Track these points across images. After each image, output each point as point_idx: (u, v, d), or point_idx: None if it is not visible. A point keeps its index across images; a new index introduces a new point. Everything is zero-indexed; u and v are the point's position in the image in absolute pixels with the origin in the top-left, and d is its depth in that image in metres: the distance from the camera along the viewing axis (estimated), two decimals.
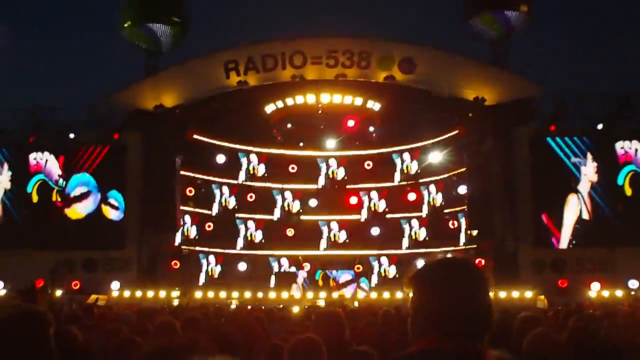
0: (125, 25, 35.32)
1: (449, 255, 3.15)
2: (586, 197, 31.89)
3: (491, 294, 2.95)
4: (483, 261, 31.68)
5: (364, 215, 37.26)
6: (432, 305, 2.89)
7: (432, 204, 35.87)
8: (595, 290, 29.97)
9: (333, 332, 6.09)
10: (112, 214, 33.93)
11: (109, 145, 33.97)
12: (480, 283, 2.94)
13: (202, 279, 35.34)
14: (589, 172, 31.91)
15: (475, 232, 32.91)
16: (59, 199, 34.27)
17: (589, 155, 31.96)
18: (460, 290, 2.88)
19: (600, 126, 31.65)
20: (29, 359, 3.39)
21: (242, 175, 36.83)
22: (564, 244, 31.85)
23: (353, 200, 37.25)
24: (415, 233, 36.04)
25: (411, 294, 3.01)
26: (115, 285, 31.95)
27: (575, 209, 31.89)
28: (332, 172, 37.56)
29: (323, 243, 36.99)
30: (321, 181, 37.55)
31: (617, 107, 32.00)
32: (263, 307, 20.92)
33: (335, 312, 6.80)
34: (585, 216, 31.86)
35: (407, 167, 36.69)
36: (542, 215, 31.96)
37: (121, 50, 38.38)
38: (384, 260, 36.06)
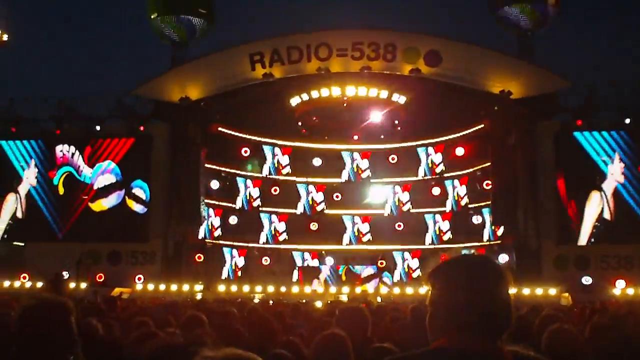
0: (152, 16, 35.50)
1: (467, 252, 3.11)
2: (609, 197, 31.41)
3: (511, 292, 2.91)
4: (507, 257, 31.61)
5: (387, 209, 37.16)
6: (451, 303, 2.86)
7: (456, 198, 35.73)
8: (620, 287, 29.70)
9: (356, 328, 6.03)
10: (137, 207, 33.99)
11: (134, 137, 34.02)
12: (500, 281, 2.90)
13: (225, 272, 35.41)
14: (615, 171, 31.50)
15: (499, 228, 32.72)
16: (84, 192, 34.40)
17: (616, 155, 31.54)
18: (479, 288, 2.85)
19: (628, 120, 31.23)
20: (54, 343, 3.60)
21: (266, 169, 36.85)
22: (582, 240, 31.49)
23: (377, 194, 37.14)
24: (439, 228, 35.92)
25: (430, 291, 2.98)
26: (138, 278, 32.06)
27: (596, 207, 31.49)
28: (357, 166, 37.50)
29: (346, 238, 36.96)
30: (345, 175, 37.50)
31: None
32: (286, 302, 20.95)
33: (359, 308, 6.74)
34: (607, 216, 31.38)
35: (431, 161, 36.56)
36: (568, 211, 31.65)
37: (148, 41, 38.39)
38: (407, 255, 35.99)
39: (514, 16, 33.74)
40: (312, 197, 37.37)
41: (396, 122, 34.52)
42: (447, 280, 2.95)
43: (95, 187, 34.25)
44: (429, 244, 35.82)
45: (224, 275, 35.32)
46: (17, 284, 31.15)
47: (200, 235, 34.32)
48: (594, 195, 31.56)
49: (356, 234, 37.00)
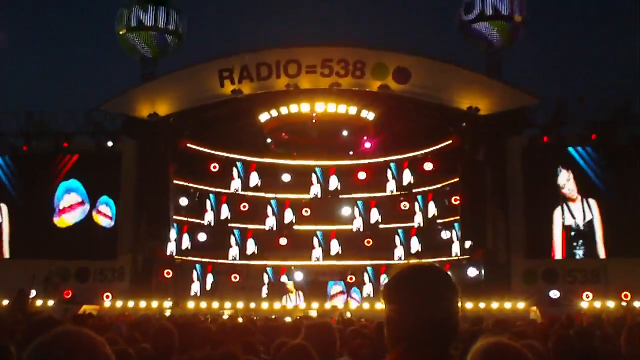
0: (121, 32, 35.54)
1: (412, 262, 3.08)
2: (572, 209, 31.83)
3: (458, 302, 2.92)
4: (476, 271, 31.78)
5: (356, 225, 37.26)
6: (397, 316, 2.87)
7: (424, 214, 35.88)
8: (587, 300, 29.96)
9: (323, 343, 6.03)
10: (103, 222, 33.80)
11: (102, 154, 33.83)
12: (445, 291, 2.91)
13: (194, 289, 35.27)
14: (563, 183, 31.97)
15: (467, 243, 32.90)
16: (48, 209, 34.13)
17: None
18: (422, 299, 2.86)
19: (593, 136, 31.61)
20: None
21: (235, 185, 36.82)
22: (557, 254, 31.78)
23: (346, 210, 37.25)
24: (408, 243, 36.03)
25: (384, 305, 3.00)
26: (107, 296, 31.83)
27: (559, 220, 31.84)
28: (325, 182, 37.59)
29: (315, 253, 36.97)
30: (314, 190, 37.56)
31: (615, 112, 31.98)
32: (256, 317, 20.92)
33: (326, 322, 6.76)
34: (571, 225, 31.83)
35: (400, 177, 36.72)
36: (536, 226, 31.91)
37: (117, 57, 38.32)
38: (376, 270, 36.06)
39: (485, 31, 34.11)
40: (281, 213, 37.38)
41: (365, 138, 34.68)
42: (392, 293, 2.96)
43: (61, 207, 34.00)
44: (398, 259, 35.90)
45: (193, 291, 35.18)
46: None
47: (169, 251, 34.18)
48: (557, 209, 31.86)
49: (325, 249, 37.02)
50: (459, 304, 2.94)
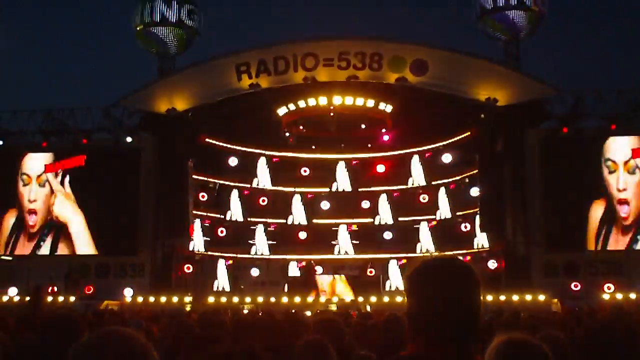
0: (138, 28, 35.62)
1: (434, 255, 3.05)
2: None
3: (479, 296, 2.87)
4: (496, 264, 31.69)
5: (376, 218, 37.22)
6: (419, 309, 2.84)
7: (444, 206, 35.81)
8: (609, 293, 29.80)
9: (331, 338, 5.99)
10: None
11: (121, 150, 33.93)
12: (466, 285, 2.87)
13: (214, 284, 35.37)
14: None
15: (487, 235, 32.80)
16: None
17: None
18: (443, 293, 2.82)
19: (613, 126, 31.39)
20: None
21: (253, 179, 36.85)
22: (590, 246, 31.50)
23: (365, 203, 37.21)
24: (428, 236, 35.98)
25: (406, 298, 2.96)
26: (128, 291, 31.97)
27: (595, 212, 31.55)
28: (345, 175, 37.58)
29: (336, 247, 36.98)
30: (333, 184, 37.56)
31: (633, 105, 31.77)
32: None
33: (332, 319, 6.76)
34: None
35: (419, 169, 36.66)
36: (554, 218, 31.70)
37: (136, 53, 38.42)
38: (396, 263, 36.07)
39: (489, 30, 34.06)
40: (301, 207, 37.39)
41: (383, 130, 34.61)
42: (410, 289, 2.93)
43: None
44: (419, 252, 35.87)
45: (213, 286, 35.28)
46: (5, 298, 31.02)
47: (189, 247, 34.26)
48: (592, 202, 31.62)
49: (345, 243, 37.03)
50: (481, 299, 2.90)
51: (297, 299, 31.11)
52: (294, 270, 36.51)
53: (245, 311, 25.15)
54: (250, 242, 36.51)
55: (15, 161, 34.25)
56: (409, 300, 2.91)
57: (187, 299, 30.79)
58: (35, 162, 34.34)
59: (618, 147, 31.48)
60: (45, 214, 34.07)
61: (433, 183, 36.23)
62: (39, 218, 34.10)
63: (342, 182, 37.68)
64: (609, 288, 29.80)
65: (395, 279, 35.67)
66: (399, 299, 30.10)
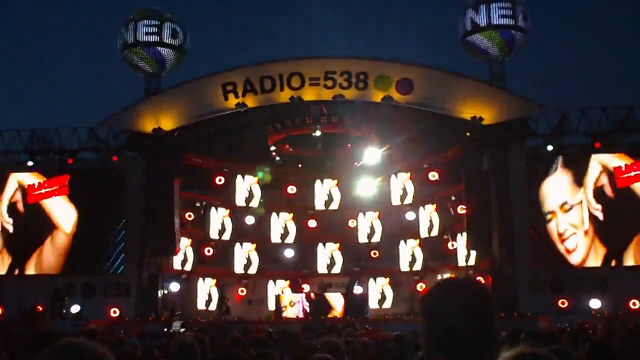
0: (124, 49, 35.56)
1: (449, 275, 3.06)
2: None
3: (492, 316, 2.90)
4: (482, 281, 31.81)
5: (362, 236, 37.31)
6: (438, 330, 2.88)
7: (430, 224, 35.94)
8: (595, 308, 30.00)
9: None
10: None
11: (107, 169, 33.89)
12: (483, 302, 2.91)
13: (200, 302, 35.36)
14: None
15: (473, 253, 32.92)
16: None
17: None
18: (463, 311, 2.84)
19: (597, 145, 31.65)
20: None
21: (240, 198, 36.89)
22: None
23: (352, 222, 37.32)
24: (414, 254, 36.09)
25: (422, 319, 3.00)
26: (114, 310, 31.90)
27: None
28: (330, 194, 37.70)
29: (321, 265, 37.04)
30: (319, 203, 37.65)
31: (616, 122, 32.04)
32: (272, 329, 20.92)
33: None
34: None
35: (404, 187, 36.82)
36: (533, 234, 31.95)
37: (121, 72, 38.30)
38: (382, 281, 36.20)
39: (482, 43, 34.14)
40: (286, 226, 37.46)
41: (369, 147, 34.70)
42: (423, 309, 2.98)
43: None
44: (404, 270, 35.99)
45: (200, 305, 35.28)
46: None
47: (175, 266, 34.22)
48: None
49: (331, 261, 37.10)
50: (493, 318, 2.94)
51: (283, 317, 31.09)
52: (279, 289, 36.50)
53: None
54: (236, 260, 36.50)
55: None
56: (425, 321, 2.95)
57: (176, 323, 30.70)
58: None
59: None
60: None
61: (419, 201, 36.37)
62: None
63: (328, 200, 37.77)
64: (595, 304, 30.06)
65: (376, 298, 35.79)
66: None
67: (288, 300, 33.82)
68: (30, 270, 33.78)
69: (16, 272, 33.86)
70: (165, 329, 26.92)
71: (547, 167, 32.15)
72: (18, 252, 34.09)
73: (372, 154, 34.13)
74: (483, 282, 31.36)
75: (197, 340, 7.39)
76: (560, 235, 31.75)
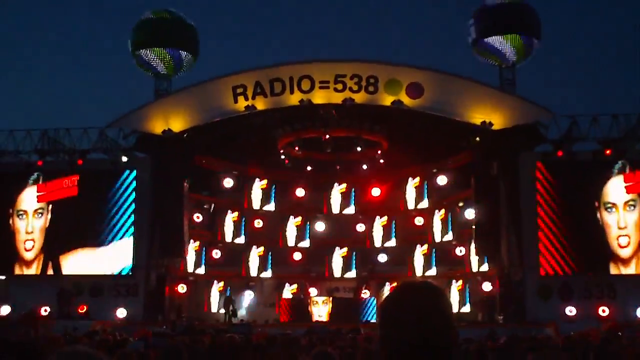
0: (140, 49, 35.60)
1: (404, 282, 2.98)
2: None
3: (447, 321, 2.80)
4: (490, 287, 31.71)
5: (371, 240, 37.26)
6: (385, 339, 2.82)
7: (439, 229, 35.85)
8: (603, 315, 29.82)
9: None
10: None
11: (116, 170, 33.88)
12: (431, 311, 2.81)
13: (208, 305, 35.36)
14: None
15: (482, 258, 32.81)
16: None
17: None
18: (406, 321, 2.77)
19: (608, 151, 31.39)
20: None
21: (249, 200, 36.92)
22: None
23: (360, 226, 37.27)
24: (423, 259, 36.01)
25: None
26: (121, 311, 31.93)
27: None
28: (339, 197, 37.68)
29: (330, 268, 37.01)
30: (328, 206, 37.64)
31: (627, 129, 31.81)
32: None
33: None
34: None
35: (413, 192, 36.76)
36: (544, 241, 31.63)
37: (131, 74, 38.45)
38: (390, 286, 36.08)
39: (500, 45, 34.06)
40: (295, 229, 37.44)
41: (379, 152, 34.65)
42: (378, 319, 2.92)
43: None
44: (412, 275, 35.90)
45: (207, 308, 35.28)
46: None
47: (183, 267, 34.23)
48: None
49: (340, 265, 37.07)
50: (446, 322, 2.82)
51: (292, 320, 31.02)
52: (287, 292, 36.48)
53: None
54: (244, 263, 36.50)
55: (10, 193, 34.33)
56: (379, 328, 2.90)
57: (180, 319, 30.74)
58: (30, 196, 34.32)
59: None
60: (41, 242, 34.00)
61: (428, 206, 36.30)
62: (36, 249, 34.03)
63: (337, 204, 37.76)
64: (603, 311, 29.88)
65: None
66: None
67: (314, 302, 33.47)
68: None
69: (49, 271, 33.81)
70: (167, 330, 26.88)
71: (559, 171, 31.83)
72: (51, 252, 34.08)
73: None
74: (491, 288, 31.41)
75: (188, 346, 7.36)
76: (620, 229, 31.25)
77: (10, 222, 34.10)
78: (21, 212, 34.14)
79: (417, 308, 2.81)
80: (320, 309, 32.72)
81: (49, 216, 34.04)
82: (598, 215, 31.26)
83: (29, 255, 33.76)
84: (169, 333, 23.59)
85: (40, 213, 34.07)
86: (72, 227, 33.48)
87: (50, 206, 34.05)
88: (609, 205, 31.19)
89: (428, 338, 2.76)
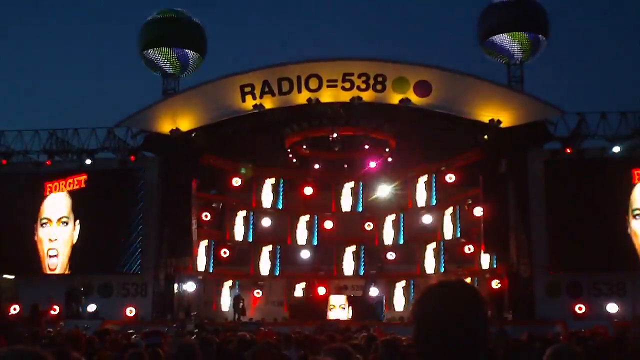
0: (148, 49, 35.66)
1: (443, 279, 2.96)
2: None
3: (481, 320, 2.80)
4: (499, 284, 31.66)
5: (380, 238, 37.24)
6: (421, 333, 2.82)
7: (447, 227, 35.81)
8: (612, 312, 29.76)
9: None
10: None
11: (124, 170, 33.92)
12: (468, 307, 2.81)
13: (217, 303, 35.40)
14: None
15: (490, 256, 32.77)
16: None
17: None
18: (443, 316, 2.77)
19: (617, 149, 31.25)
20: None
21: (257, 199, 36.94)
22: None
23: (369, 225, 37.23)
24: (431, 256, 35.99)
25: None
26: (130, 310, 32.01)
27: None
28: (348, 195, 37.69)
29: (339, 267, 37.01)
30: (337, 204, 37.64)
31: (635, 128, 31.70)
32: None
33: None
34: None
35: (422, 189, 36.72)
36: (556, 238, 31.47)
37: (140, 73, 38.52)
38: (398, 284, 36.12)
39: (506, 44, 34.02)
40: (303, 227, 37.44)
41: (387, 150, 34.64)
42: (413, 314, 2.91)
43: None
44: (421, 273, 35.89)
45: (216, 306, 35.32)
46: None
47: (192, 266, 34.25)
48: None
49: (348, 263, 37.07)
50: (485, 322, 2.83)
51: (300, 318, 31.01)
52: (297, 291, 36.50)
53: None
54: (253, 262, 36.53)
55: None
56: (413, 325, 2.89)
57: (189, 324, 30.76)
58: (52, 203, 34.33)
59: None
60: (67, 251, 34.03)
61: (436, 204, 36.25)
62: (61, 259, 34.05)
63: (346, 202, 37.76)
64: (612, 309, 29.85)
65: (399, 300, 35.76)
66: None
67: (337, 303, 33.39)
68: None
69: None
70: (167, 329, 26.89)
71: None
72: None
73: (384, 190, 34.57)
74: (499, 285, 31.38)
75: (203, 343, 7.40)
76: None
77: (34, 231, 34.08)
78: (45, 221, 34.10)
79: (456, 308, 2.80)
80: (338, 312, 32.72)
81: (77, 231, 33.98)
82: (627, 221, 30.88)
83: (52, 263, 33.75)
84: (163, 331, 23.60)
85: (64, 222, 34.00)
86: (101, 245, 33.38)
87: (78, 220, 34.00)
88: (638, 211, 30.92)
89: (466, 338, 2.76)
